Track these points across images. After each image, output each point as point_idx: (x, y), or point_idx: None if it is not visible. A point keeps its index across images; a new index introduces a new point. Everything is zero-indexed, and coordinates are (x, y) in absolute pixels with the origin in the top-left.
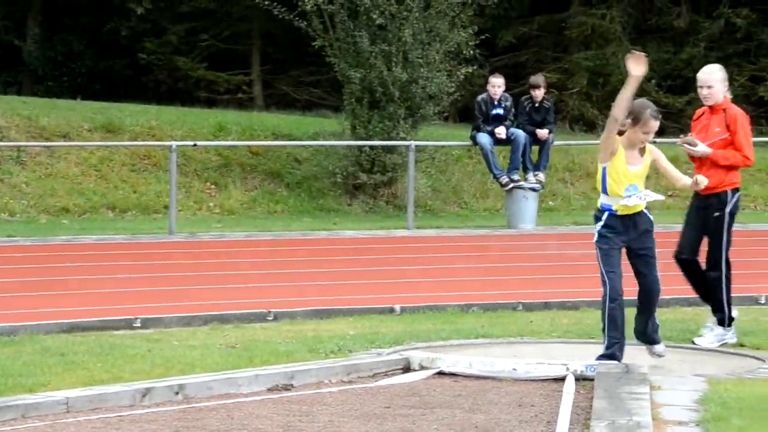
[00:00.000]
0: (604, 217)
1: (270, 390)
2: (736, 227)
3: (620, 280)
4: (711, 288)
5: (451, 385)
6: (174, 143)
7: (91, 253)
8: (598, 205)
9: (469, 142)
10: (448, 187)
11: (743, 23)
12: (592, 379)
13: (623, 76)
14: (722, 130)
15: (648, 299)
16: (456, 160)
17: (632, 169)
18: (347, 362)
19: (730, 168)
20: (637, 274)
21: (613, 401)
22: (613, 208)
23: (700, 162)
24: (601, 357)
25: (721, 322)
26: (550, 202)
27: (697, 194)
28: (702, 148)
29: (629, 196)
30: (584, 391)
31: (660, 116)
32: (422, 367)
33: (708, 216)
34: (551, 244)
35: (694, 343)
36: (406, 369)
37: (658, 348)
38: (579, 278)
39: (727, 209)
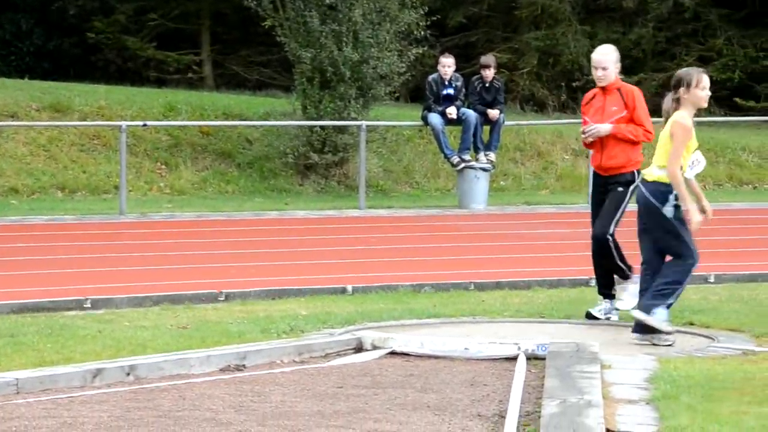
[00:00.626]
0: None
1: (222, 370)
2: None
3: None
4: (602, 255)
5: (403, 364)
6: (124, 123)
7: (40, 234)
8: (667, 180)
9: (421, 122)
10: (400, 167)
11: (691, 4)
12: (544, 358)
13: (573, 56)
14: (619, 109)
15: None
16: (407, 140)
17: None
18: (299, 342)
19: (633, 146)
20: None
21: (564, 380)
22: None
23: (601, 145)
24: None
25: (624, 277)
26: (501, 182)
27: (598, 175)
28: (604, 127)
29: (691, 168)
30: (536, 370)
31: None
32: (374, 347)
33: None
34: (502, 223)
35: (616, 309)
36: (359, 349)
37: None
38: (530, 258)
39: (631, 188)
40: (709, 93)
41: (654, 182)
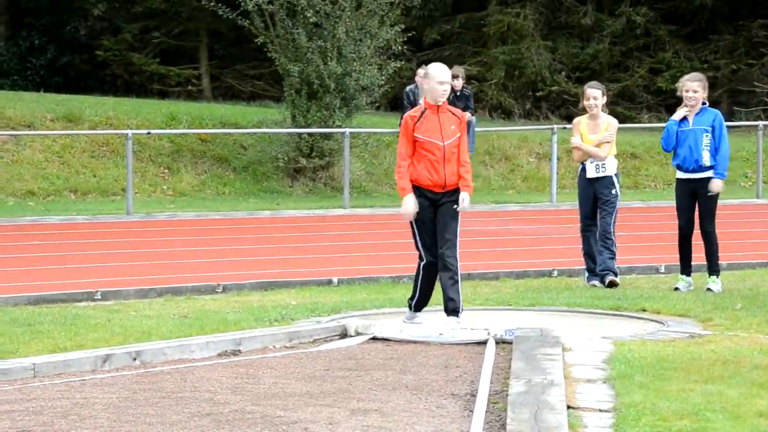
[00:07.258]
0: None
1: (220, 355)
2: (637, 204)
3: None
4: None
5: (384, 349)
6: (130, 131)
7: (55, 232)
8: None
9: (399, 129)
10: (380, 170)
11: (642, 20)
12: (511, 343)
13: (536, 68)
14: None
15: None
16: (387, 145)
17: (591, 137)
18: (290, 329)
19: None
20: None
21: (529, 362)
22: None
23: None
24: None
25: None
26: (473, 183)
27: None
28: None
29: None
30: (504, 353)
31: (598, 86)
32: (358, 333)
33: None
34: (473, 220)
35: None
36: (343, 335)
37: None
38: (498, 251)
39: None
40: (592, 103)
41: None
